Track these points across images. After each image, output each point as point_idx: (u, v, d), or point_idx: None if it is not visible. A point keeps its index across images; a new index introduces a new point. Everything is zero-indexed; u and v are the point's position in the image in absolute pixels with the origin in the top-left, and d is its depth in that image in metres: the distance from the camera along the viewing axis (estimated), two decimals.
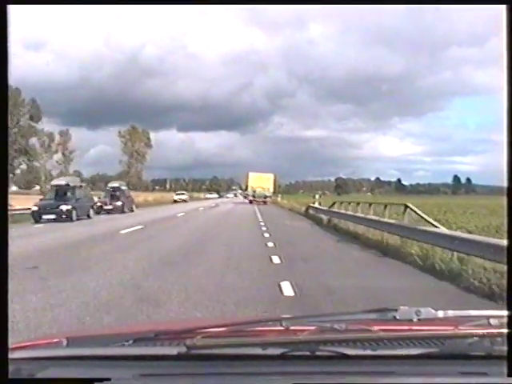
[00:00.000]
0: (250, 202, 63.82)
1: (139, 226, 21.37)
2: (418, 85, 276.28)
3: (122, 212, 35.97)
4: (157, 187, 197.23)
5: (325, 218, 24.94)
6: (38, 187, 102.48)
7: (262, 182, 65.78)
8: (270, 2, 2.08)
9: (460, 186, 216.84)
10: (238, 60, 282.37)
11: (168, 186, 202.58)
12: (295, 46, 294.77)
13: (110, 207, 35.92)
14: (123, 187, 40.73)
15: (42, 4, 1.87)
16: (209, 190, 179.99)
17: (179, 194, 73.83)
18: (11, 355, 1.38)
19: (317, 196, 36.63)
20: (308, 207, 34.97)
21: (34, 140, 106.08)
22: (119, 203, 36.80)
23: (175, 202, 66.92)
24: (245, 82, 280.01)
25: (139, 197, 73.48)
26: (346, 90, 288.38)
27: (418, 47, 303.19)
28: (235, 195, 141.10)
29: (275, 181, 75.05)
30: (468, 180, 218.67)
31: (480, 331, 1.41)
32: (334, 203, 25.37)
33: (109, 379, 1.24)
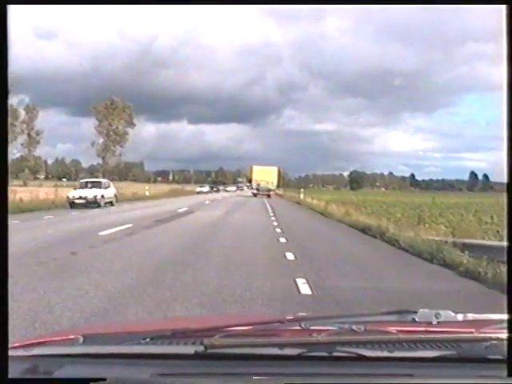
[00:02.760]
0: (255, 195, 57.42)
1: None
2: (430, 80, 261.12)
3: None
4: (159, 179, 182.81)
5: None
6: None
7: (265, 175, 59.35)
8: None
9: (477, 183, 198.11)
10: (251, 52, 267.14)
11: (171, 178, 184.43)
12: (309, 39, 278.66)
13: None
14: None
15: (42, 4, 1.70)
16: (214, 183, 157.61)
17: (87, 185, 28.57)
18: (28, 352, 1.35)
19: None
20: None
21: None
22: None
23: (73, 205, 25.96)
24: (257, 75, 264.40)
25: None
26: (358, 84, 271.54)
27: (432, 43, 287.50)
28: (238, 188, 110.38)
29: (279, 174, 68.61)
30: (485, 176, 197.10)
31: (499, 335, 1.32)
32: None
33: (104, 379, 1.15)
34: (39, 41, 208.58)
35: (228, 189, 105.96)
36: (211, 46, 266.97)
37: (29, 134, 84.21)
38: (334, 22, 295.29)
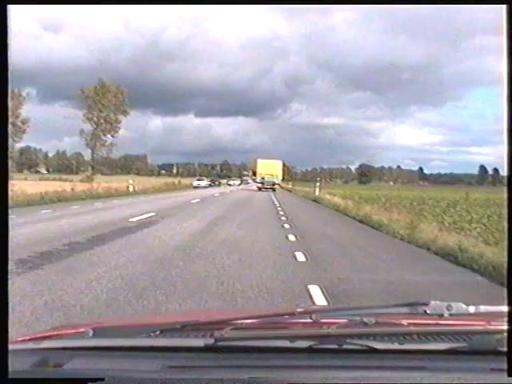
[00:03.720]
0: (260, 188, 53.09)
1: None
2: (438, 74, 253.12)
3: None
4: (163, 172, 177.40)
5: None
6: None
7: (270, 168, 55.89)
8: None
9: (486, 177, 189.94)
10: (258, 45, 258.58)
11: (175, 171, 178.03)
12: (316, 32, 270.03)
13: None
14: None
15: (42, 4, 1.67)
16: (219, 176, 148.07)
17: None
18: (39, 345, 1.29)
19: None
20: None
21: None
22: None
23: None
24: (265, 68, 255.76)
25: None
26: (366, 77, 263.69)
27: (440, 36, 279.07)
28: (243, 181, 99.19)
29: (284, 168, 65.28)
30: (496, 170, 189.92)
31: (511, 327, 1.25)
32: None
33: (103, 379, 1.10)
34: (46, 34, 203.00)
35: (231, 182, 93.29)
36: (218, 39, 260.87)
37: (13, 123, 74.23)
38: (341, 15, 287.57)
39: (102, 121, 68.43)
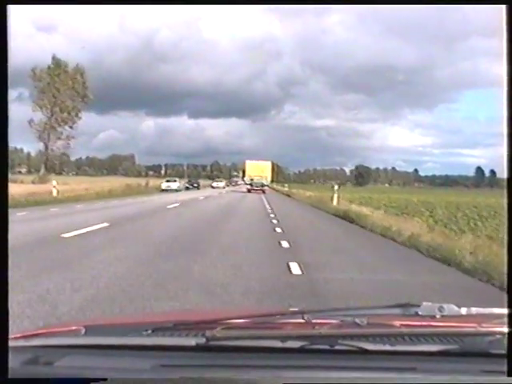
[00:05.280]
0: (249, 190, 47.17)
1: None
2: (431, 76, 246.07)
3: None
4: (151, 173, 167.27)
5: None
6: None
7: (259, 170, 49.12)
8: None
9: (483, 179, 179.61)
10: (252, 47, 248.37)
11: (163, 172, 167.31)
12: (310, 34, 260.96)
13: None
14: None
15: (42, 4, 1.61)
16: (209, 177, 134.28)
17: None
18: (29, 342, 1.26)
19: None
20: None
21: None
22: None
23: None
24: (258, 70, 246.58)
25: None
26: (359, 79, 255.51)
27: (433, 38, 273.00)
28: (231, 183, 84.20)
29: (275, 168, 59.79)
30: (492, 172, 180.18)
31: (502, 329, 1.24)
32: None
33: (105, 379, 1.07)
34: (39, 34, 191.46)
35: (214, 184, 74.00)
36: (212, 40, 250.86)
37: None
38: (335, 17, 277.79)
39: (56, 108, 53.53)
